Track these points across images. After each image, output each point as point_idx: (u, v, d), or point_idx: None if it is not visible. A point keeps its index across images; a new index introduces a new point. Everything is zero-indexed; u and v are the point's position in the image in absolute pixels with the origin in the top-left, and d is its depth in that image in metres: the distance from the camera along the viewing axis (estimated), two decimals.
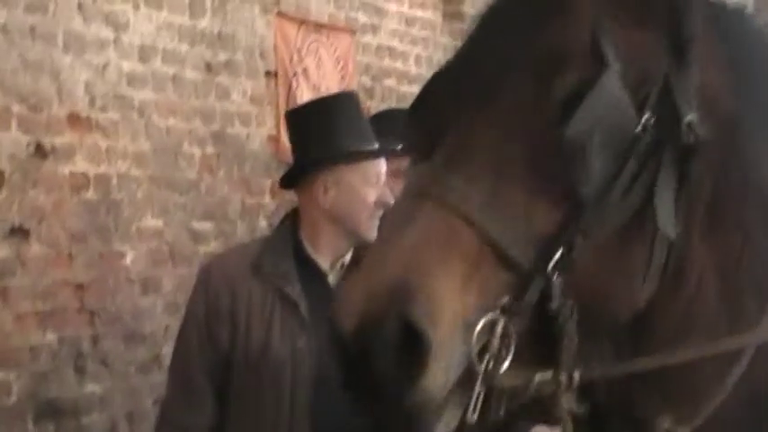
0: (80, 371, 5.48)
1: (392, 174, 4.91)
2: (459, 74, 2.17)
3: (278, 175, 6.47)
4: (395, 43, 7.56)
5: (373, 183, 3.73)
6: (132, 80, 5.79)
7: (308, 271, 3.71)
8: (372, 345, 1.92)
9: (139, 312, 5.78)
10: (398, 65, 7.54)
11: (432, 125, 2.15)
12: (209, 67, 6.20)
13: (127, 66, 5.75)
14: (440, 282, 1.94)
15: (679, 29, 2.14)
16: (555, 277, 1.99)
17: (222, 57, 6.27)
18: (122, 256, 5.71)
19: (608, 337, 2.15)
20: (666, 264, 2.12)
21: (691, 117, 2.09)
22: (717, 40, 2.24)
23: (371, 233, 3.64)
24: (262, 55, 6.51)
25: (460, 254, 1.97)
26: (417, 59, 7.78)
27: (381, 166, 3.77)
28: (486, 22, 2.21)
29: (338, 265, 3.73)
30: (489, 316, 1.96)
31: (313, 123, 3.85)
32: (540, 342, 2.03)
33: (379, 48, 7.43)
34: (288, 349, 3.60)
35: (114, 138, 5.67)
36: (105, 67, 5.64)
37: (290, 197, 6.55)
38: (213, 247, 6.19)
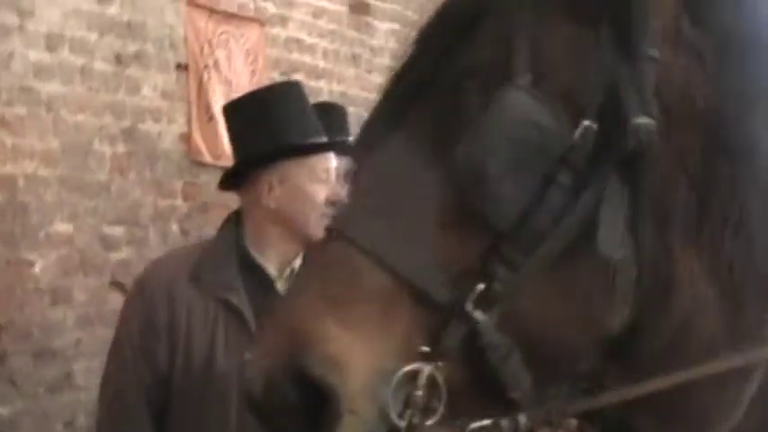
0: None
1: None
2: (384, 98, 1.96)
3: (189, 175, 6.23)
4: (303, 35, 7.26)
5: (322, 179, 3.49)
6: (39, 71, 5.34)
7: (254, 278, 3.44)
8: (277, 404, 1.74)
9: (49, 326, 5.34)
10: (307, 59, 7.25)
11: (356, 156, 1.97)
12: (118, 59, 5.79)
13: (33, 55, 5.31)
14: (344, 327, 1.74)
15: (626, 19, 1.89)
16: (478, 315, 1.76)
17: (132, 48, 5.87)
18: (31, 264, 5.27)
19: (573, 369, 1.90)
20: (639, 280, 1.87)
21: (641, 120, 1.83)
22: (688, 23, 1.98)
23: (320, 232, 3.39)
24: (172, 46, 6.15)
25: (368, 295, 1.76)
26: (325, 53, 7.50)
27: (330, 160, 3.52)
28: (415, 42, 1.98)
29: (287, 271, 3.47)
30: (412, 365, 1.74)
31: (253, 116, 3.58)
32: (482, 388, 1.80)
33: (287, 41, 7.13)
34: (234, 364, 3.30)
35: (21, 135, 5.23)
36: (10, 56, 5.19)
37: (203, 199, 6.34)
38: (126, 254, 5.79)
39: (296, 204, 3.47)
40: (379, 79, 8.04)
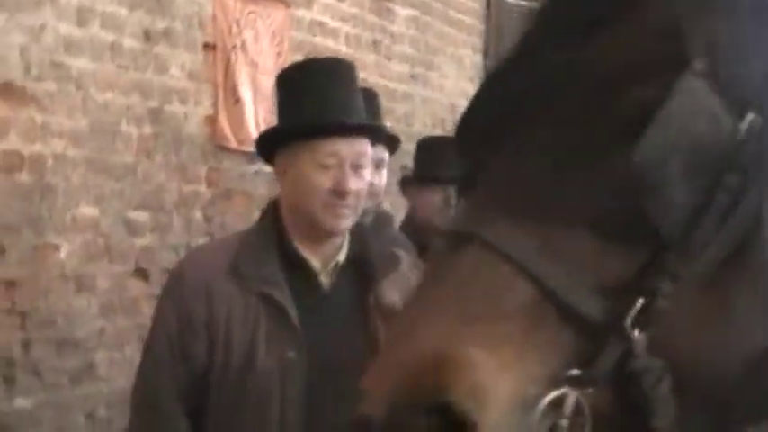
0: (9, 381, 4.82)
1: (375, 164, 4.55)
2: (504, 93, 1.78)
3: (214, 161, 6.02)
4: (326, 19, 7.06)
5: (327, 165, 3.23)
6: (69, 46, 5.11)
7: (297, 271, 3.27)
8: None
9: (73, 314, 5.12)
10: (330, 43, 7.05)
11: (475, 153, 1.79)
12: (147, 36, 5.57)
13: (64, 29, 5.07)
14: (488, 350, 1.54)
15: None
16: (636, 334, 1.58)
17: (160, 25, 5.65)
18: (57, 249, 5.05)
19: (724, 397, 1.71)
20: None
21: None
22: None
23: (334, 224, 3.23)
24: (200, 24, 5.92)
25: (514, 311, 1.57)
26: (347, 38, 7.30)
27: (339, 145, 3.25)
28: (533, 33, 1.81)
29: (331, 265, 3.30)
30: (558, 390, 1.56)
31: (287, 91, 3.39)
32: (622, 417, 1.62)
33: (311, 23, 6.92)
34: (275, 362, 3.17)
35: (50, 112, 5.00)
36: (42, 29, 4.96)
37: (226, 186, 6.14)
38: (149, 240, 5.57)
39: (297, 193, 3.27)
40: (397, 67, 7.94)
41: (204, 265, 3.28)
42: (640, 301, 1.58)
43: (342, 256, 3.32)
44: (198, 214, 5.91)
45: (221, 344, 3.17)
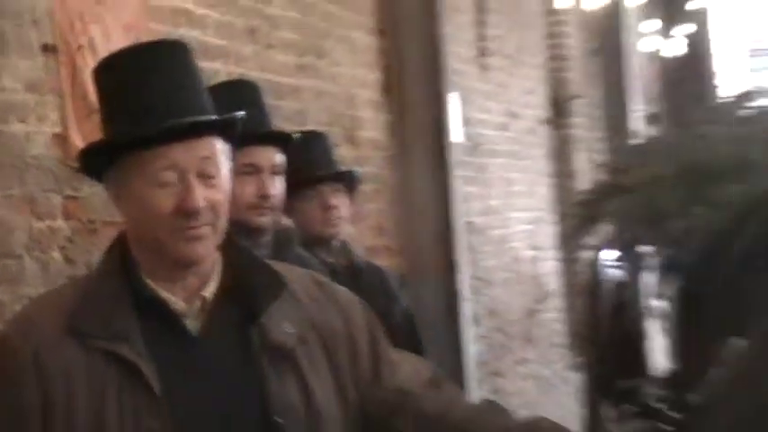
0: None
1: (270, 170, 4.16)
2: None
3: (70, 188, 5.30)
4: (190, 5, 6.41)
5: (164, 181, 2.79)
6: None
7: (155, 317, 2.84)
8: None
9: None
10: (197, 33, 6.40)
11: None
12: None
13: None
14: None
15: None
16: None
17: None
18: None
19: None
20: None
21: None
22: None
23: (188, 252, 2.80)
24: (35, 22, 5.20)
25: None
26: (217, 26, 6.67)
27: (174, 153, 2.80)
28: None
29: (197, 303, 2.86)
30: None
31: (102, 92, 2.94)
32: None
33: (174, 12, 6.25)
34: None
35: None
36: None
37: (89, 216, 5.44)
38: None
39: (137, 218, 2.83)
40: (281, 57, 7.31)
41: (32, 332, 2.80)
42: None
43: (210, 290, 2.87)
44: (56, 255, 5.22)
45: (61, 427, 2.75)
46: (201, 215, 2.81)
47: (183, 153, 2.79)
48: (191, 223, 2.79)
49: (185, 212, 2.78)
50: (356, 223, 7.05)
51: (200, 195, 2.80)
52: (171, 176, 2.78)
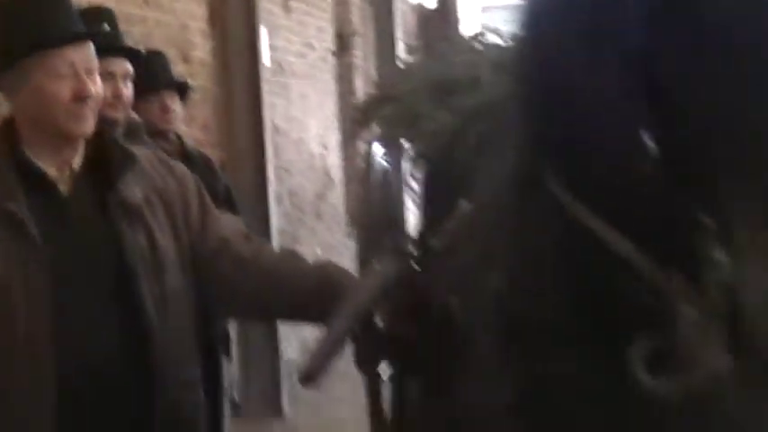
0: None
1: (122, 76, 4.10)
2: None
3: None
4: None
5: (62, 74, 2.83)
6: None
7: (35, 183, 2.82)
8: None
9: None
10: None
11: None
12: None
13: None
14: None
15: None
16: None
17: None
18: None
19: None
20: None
21: None
22: None
23: (78, 128, 2.85)
24: None
25: None
26: None
27: (71, 53, 2.85)
28: None
29: (66, 171, 2.87)
30: None
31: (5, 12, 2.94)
32: None
33: None
34: (17, 280, 2.69)
35: None
36: None
37: None
38: None
39: (39, 107, 2.84)
40: None
41: None
42: None
43: (77, 162, 2.88)
44: None
45: None
46: (90, 100, 2.86)
47: (76, 54, 2.85)
48: (82, 107, 2.84)
49: (80, 98, 2.83)
50: (188, 123, 6.96)
51: (90, 86, 2.86)
52: (68, 71, 2.82)
